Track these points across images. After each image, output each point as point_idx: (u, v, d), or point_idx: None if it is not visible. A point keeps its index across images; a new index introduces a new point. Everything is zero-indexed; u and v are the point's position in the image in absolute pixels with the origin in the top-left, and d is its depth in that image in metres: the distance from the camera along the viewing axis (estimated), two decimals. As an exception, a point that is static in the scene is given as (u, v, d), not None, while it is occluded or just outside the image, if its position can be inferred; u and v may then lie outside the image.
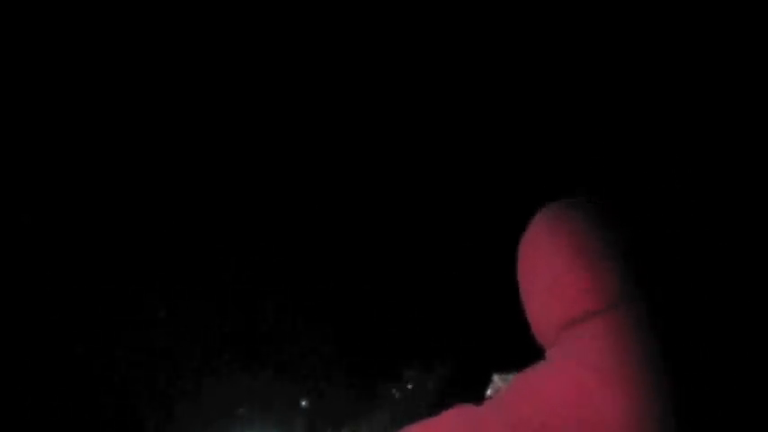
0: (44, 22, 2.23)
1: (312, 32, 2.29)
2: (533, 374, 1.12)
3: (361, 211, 2.23)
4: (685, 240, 1.12)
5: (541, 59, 2.14)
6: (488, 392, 1.29)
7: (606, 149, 1.89)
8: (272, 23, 2.29)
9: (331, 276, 2.22)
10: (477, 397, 1.23)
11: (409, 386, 1.84)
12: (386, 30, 2.27)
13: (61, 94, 2.27)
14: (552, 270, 1.09)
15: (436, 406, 1.31)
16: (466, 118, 2.19)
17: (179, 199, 2.25)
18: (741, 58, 1.97)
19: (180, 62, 2.26)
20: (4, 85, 2.22)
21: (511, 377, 1.19)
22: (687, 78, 1.99)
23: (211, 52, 2.30)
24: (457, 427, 1.21)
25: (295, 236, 2.22)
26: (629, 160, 1.84)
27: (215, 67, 2.28)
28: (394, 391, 1.81)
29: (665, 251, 1.09)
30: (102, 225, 2.24)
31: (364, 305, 2.18)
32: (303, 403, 1.98)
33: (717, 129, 1.90)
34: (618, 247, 1.07)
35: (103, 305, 2.19)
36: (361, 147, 2.24)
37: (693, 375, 1.04)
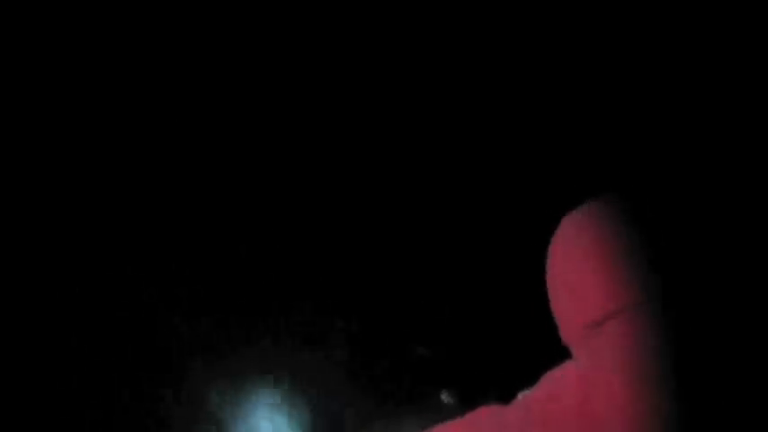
0: (44, 21, 2.22)
1: (312, 32, 2.29)
2: (559, 374, 1.14)
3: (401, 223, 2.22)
4: (706, 243, 1.13)
5: (561, 63, 2.14)
6: None
7: (628, 152, 1.91)
8: (272, 23, 2.29)
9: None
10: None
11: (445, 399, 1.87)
12: (386, 30, 2.27)
13: (61, 94, 2.26)
14: (577, 273, 1.11)
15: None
16: (487, 124, 2.19)
17: (187, 196, 2.25)
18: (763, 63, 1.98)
19: (185, 62, 2.26)
20: (4, 86, 2.21)
21: None
22: (708, 79, 2.00)
23: (212, 52, 2.29)
24: (483, 426, 1.24)
25: (333, 242, 2.21)
26: (651, 163, 1.85)
27: (217, 67, 2.28)
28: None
29: (687, 253, 1.10)
30: (102, 224, 2.23)
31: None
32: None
33: (740, 132, 1.91)
34: (641, 249, 1.09)
35: (104, 305, 2.19)
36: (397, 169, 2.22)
37: (714, 377, 1.05)
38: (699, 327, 1.07)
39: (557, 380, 1.14)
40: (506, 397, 1.29)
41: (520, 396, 1.29)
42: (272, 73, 2.27)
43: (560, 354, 1.17)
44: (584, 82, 2.06)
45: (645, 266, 1.07)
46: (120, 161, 2.22)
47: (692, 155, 1.84)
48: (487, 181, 2.10)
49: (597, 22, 2.09)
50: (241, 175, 2.23)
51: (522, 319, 1.86)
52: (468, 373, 1.97)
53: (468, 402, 1.35)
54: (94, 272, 2.16)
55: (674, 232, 1.12)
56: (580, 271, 1.11)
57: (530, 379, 1.29)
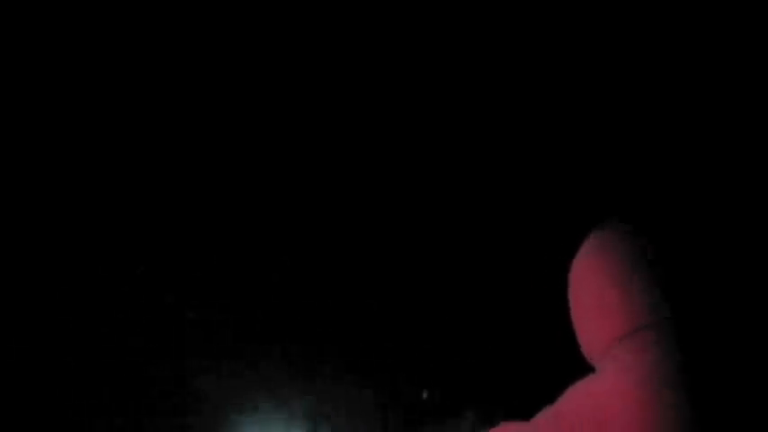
0: (44, 21, 2.20)
1: (312, 32, 2.29)
2: (586, 386, 1.14)
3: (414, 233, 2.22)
4: (730, 258, 1.15)
5: (574, 78, 2.14)
6: None
7: (648, 168, 1.92)
8: (272, 23, 2.28)
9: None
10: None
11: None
12: (387, 30, 2.27)
13: (61, 94, 2.25)
14: (601, 289, 1.13)
15: None
16: (500, 132, 2.19)
17: (192, 197, 2.24)
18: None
19: (189, 62, 2.24)
20: (5, 86, 2.20)
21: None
22: (716, 95, 2.02)
23: (212, 52, 2.29)
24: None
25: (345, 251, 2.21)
26: (671, 180, 1.87)
27: (219, 67, 2.27)
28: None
29: (713, 269, 1.12)
30: (105, 224, 2.23)
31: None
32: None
33: (755, 148, 1.93)
34: (664, 265, 1.11)
35: (108, 304, 2.18)
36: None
37: (742, 388, 1.07)
38: (727, 339, 1.08)
39: (585, 392, 1.14)
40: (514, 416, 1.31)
41: (540, 414, 1.32)
42: (271, 73, 2.26)
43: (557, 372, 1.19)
44: (608, 99, 2.07)
45: (674, 282, 1.10)
46: (119, 174, 2.21)
47: (711, 170, 1.86)
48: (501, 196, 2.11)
49: (611, 35, 2.10)
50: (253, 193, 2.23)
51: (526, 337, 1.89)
52: (480, 392, 1.98)
53: (486, 421, 1.35)
54: (94, 280, 2.15)
55: (698, 249, 1.15)
56: (606, 287, 1.12)
57: (537, 398, 1.32)
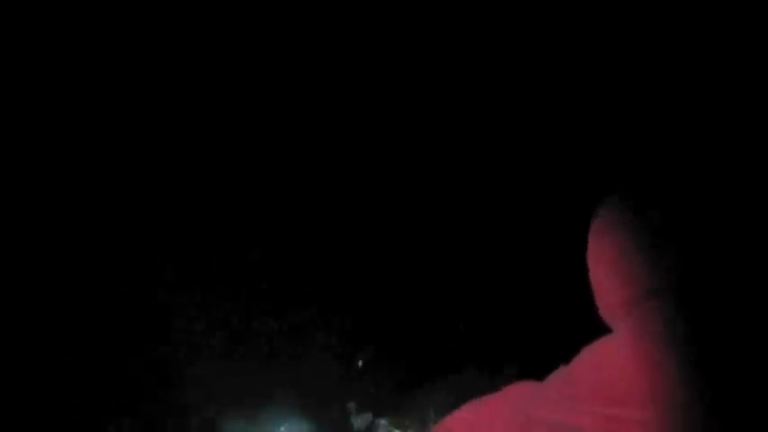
0: (44, 21, 2.19)
1: (311, 32, 2.28)
2: (601, 347, 1.21)
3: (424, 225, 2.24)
4: (731, 232, 1.21)
5: (571, 67, 2.17)
6: None
7: (655, 145, 1.97)
8: (272, 23, 2.28)
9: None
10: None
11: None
12: (387, 30, 2.27)
13: (61, 94, 2.23)
14: (616, 255, 1.19)
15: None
16: (510, 125, 2.21)
17: (197, 195, 2.25)
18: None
19: (190, 62, 2.23)
20: (5, 86, 2.18)
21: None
22: (717, 81, 2.04)
23: (212, 52, 2.27)
24: (518, 399, 1.30)
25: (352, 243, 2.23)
26: (677, 158, 1.92)
27: (219, 66, 2.26)
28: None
29: (724, 236, 1.18)
30: (109, 224, 2.23)
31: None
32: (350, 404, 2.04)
33: (758, 130, 1.98)
34: (676, 233, 1.17)
35: (112, 304, 2.19)
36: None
37: (735, 364, 1.13)
38: (738, 306, 1.13)
39: (599, 352, 1.21)
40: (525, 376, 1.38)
41: (554, 373, 1.34)
42: (271, 73, 2.26)
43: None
44: (614, 91, 2.10)
45: (685, 249, 1.15)
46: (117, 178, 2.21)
47: (719, 148, 1.91)
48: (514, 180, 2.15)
49: (606, 25, 2.13)
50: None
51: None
52: (488, 352, 2.03)
53: (492, 378, 1.42)
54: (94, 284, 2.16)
55: (712, 218, 1.18)
56: (620, 253, 1.18)
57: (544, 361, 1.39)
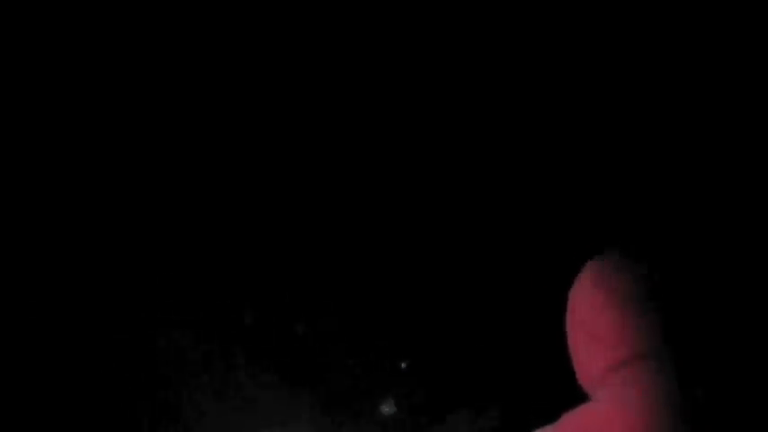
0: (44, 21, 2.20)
1: (311, 32, 2.28)
2: (580, 415, 1.19)
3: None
4: (721, 295, 1.20)
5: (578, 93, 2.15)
6: None
7: (644, 201, 1.94)
8: (272, 23, 2.27)
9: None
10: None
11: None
12: (387, 30, 2.26)
13: (62, 94, 2.24)
14: (595, 321, 1.20)
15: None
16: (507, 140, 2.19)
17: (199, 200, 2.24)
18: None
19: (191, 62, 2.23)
20: (5, 86, 2.19)
21: None
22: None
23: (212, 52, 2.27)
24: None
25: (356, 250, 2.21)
26: (666, 215, 1.89)
27: (219, 67, 2.25)
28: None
29: (705, 304, 1.18)
30: (113, 225, 2.23)
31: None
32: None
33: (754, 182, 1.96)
34: (658, 299, 1.17)
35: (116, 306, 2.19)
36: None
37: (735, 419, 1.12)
38: (718, 375, 1.13)
39: (577, 422, 1.21)
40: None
41: None
42: (270, 73, 2.26)
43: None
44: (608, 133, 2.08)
45: (666, 316, 1.15)
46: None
47: (707, 207, 1.89)
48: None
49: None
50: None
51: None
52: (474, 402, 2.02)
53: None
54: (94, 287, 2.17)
55: (691, 286, 1.20)
56: (600, 319, 1.19)
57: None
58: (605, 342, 1.17)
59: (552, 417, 1.27)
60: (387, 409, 2.06)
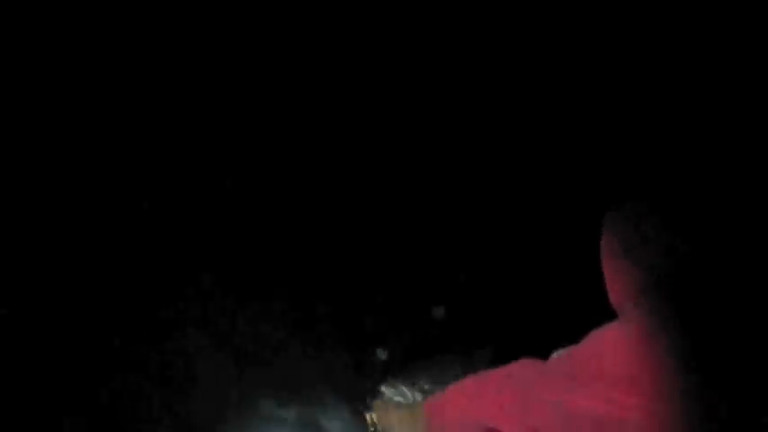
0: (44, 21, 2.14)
1: (311, 32, 2.25)
2: (601, 334, 1.29)
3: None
4: (732, 245, 1.27)
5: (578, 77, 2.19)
6: None
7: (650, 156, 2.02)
8: (272, 23, 2.24)
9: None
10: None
11: None
12: (387, 30, 2.25)
13: (62, 94, 2.18)
14: (614, 259, 1.32)
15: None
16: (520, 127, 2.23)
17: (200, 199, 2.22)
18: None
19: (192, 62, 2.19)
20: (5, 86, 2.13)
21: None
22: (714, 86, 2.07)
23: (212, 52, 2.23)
24: (523, 374, 1.35)
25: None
26: (668, 169, 1.98)
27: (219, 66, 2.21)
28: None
29: (711, 251, 1.26)
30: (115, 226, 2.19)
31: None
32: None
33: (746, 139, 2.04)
34: (668, 244, 1.26)
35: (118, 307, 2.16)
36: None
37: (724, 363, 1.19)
38: (725, 307, 1.21)
39: (604, 337, 1.28)
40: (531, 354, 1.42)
41: (555, 354, 1.42)
42: (270, 73, 2.24)
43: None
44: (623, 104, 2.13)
45: (667, 261, 1.25)
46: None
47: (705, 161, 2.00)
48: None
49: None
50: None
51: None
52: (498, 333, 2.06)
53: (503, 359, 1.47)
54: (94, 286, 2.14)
55: (696, 234, 1.27)
56: (618, 258, 1.30)
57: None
58: (622, 278, 1.29)
59: (544, 356, 1.38)
60: (383, 355, 2.11)
